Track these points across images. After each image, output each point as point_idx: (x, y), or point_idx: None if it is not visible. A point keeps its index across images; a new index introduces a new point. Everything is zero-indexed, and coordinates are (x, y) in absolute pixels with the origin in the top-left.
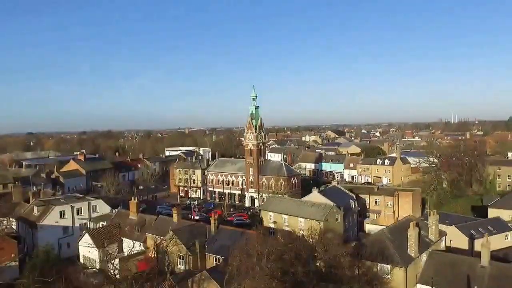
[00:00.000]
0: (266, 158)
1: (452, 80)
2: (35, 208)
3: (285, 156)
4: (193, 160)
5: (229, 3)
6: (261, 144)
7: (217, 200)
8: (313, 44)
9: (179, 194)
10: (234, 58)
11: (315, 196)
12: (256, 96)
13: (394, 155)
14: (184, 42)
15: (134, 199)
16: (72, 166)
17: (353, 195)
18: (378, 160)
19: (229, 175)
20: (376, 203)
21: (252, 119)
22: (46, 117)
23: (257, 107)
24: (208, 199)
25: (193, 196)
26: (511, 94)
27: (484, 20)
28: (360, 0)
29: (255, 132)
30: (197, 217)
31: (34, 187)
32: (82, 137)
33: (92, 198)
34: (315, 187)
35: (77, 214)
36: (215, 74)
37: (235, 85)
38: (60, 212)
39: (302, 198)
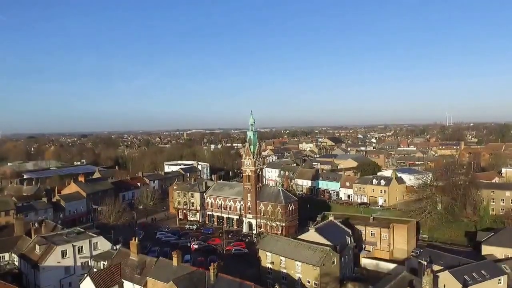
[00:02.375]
0: (264, 172)
1: (447, 83)
2: (37, 247)
3: (282, 172)
4: (192, 182)
5: (229, 7)
6: (259, 170)
7: (216, 223)
8: (311, 46)
9: (178, 217)
10: (233, 59)
11: (311, 235)
12: (254, 121)
13: (389, 174)
14: (183, 44)
15: (135, 239)
16: (72, 188)
17: (349, 230)
18: (374, 180)
19: (227, 200)
20: (371, 235)
21: (250, 145)
22: (48, 117)
23: (255, 133)
24: (207, 222)
25: (191, 219)
26: (503, 96)
27: (480, 23)
28: (358, 3)
29: (253, 158)
30: (196, 246)
31: (36, 223)
32: (83, 139)
33: (94, 235)
34: (312, 226)
35: (79, 252)
36: (214, 76)
37: (233, 86)
38: (62, 251)
39: (300, 236)
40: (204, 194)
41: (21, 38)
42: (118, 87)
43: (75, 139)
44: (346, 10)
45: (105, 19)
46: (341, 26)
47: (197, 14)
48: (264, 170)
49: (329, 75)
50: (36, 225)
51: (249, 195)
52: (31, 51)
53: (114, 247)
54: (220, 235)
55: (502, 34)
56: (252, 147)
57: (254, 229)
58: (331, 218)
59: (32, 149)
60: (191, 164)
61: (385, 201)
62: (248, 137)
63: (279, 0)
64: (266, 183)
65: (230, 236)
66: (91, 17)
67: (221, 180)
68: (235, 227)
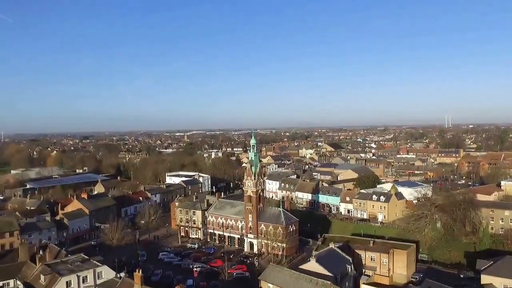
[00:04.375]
0: (264, 184)
1: (447, 84)
2: (42, 277)
3: (282, 185)
4: (194, 199)
5: (230, 8)
6: (260, 190)
7: (217, 242)
8: (312, 47)
9: (180, 234)
10: (233, 60)
11: (312, 265)
12: (256, 143)
13: (389, 187)
14: (184, 45)
15: (139, 271)
16: (75, 205)
17: (349, 258)
18: (374, 196)
19: (228, 219)
20: (371, 259)
21: (251, 166)
22: (50, 118)
23: (256, 154)
24: (209, 240)
25: (193, 236)
26: (502, 98)
27: (481, 25)
28: (358, 5)
29: (254, 179)
30: (198, 269)
31: (41, 250)
32: (85, 141)
33: (98, 263)
34: (313, 256)
35: (83, 282)
36: (214, 77)
37: (233, 87)
38: (67, 282)
39: (301, 266)
40: (206, 212)
41: (23, 39)
42: (119, 88)
43: (77, 141)
44: (346, 12)
45: (105, 20)
46: (341, 28)
47: (198, 15)
48: (264, 182)
49: (330, 76)
50: (41, 252)
51: (250, 215)
52: (32, 52)
53: (118, 275)
54: (222, 255)
55: (501, 35)
56: (253, 168)
57: (256, 251)
58: (331, 245)
59: (35, 153)
60: (193, 175)
61: (384, 217)
62: (250, 158)
63: (280, 1)
64: (267, 195)
65: (231, 257)
66: (92, 18)
67: (222, 195)
68: (237, 246)
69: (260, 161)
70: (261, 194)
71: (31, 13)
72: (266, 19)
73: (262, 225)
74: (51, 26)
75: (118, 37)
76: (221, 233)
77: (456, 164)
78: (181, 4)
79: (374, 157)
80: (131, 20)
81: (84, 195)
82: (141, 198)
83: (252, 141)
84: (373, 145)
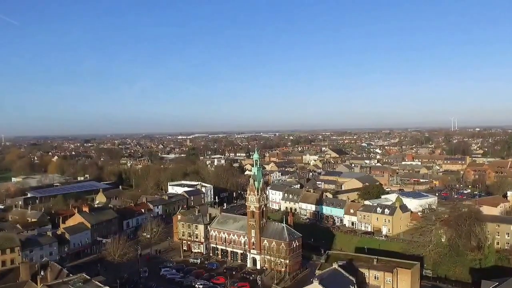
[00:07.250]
0: (268, 193)
1: (452, 86)
2: None
3: (286, 195)
4: (196, 213)
5: (233, 9)
6: (263, 206)
7: (220, 257)
8: (314, 49)
9: (182, 248)
10: (235, 61)
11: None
12: (259, 158)
13: (394, 198)
14: (187, 46)
15: None
16: (77, 219)
17: (352, 278)
18: (378, 209)
19: (231, 234)
20: (375, 278)
21: (254, 180)
22: (51, 120)
23: (259, 169)
24: (211, 255)
25: (196, 251)
26: (508, 100)
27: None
28: (364, 6)
29: (258, 194)
30: (200, 286)
31: (42, 271)
32: (86, 145)
33: (100, 284)
34: (315, 278)
35: None
36: (217, 79)
37: (236, 89)
38: None
39: None
40: (208, 227)
41: (25, 41)
42: (120, 90)
43: (78, 144)
44: (349, 12)
45: (107, 21)
46: (344, 29)
47: (200, 16)
48: (267, 196)
49: (335, 77)
50: (42, 273)
51: (253, 231)
52: (33, 53)
53: None
54: (225, 271)
55: (507, 36)
56: (256, 183)
57: (259, 267)
58: (334, 265)
59: (36, 158)
60: (195, 185)
61: (389, 230)
62: (253, 173)
63: (283, 2)
64: (270, 205)
65: (234, 273)
66: (94, 19)
67: (225, 205)
68: (239, 261)
69: (264, 168)
70: (264, 209)
71: (33, 15)
72: (269, 20)
73: (265, 240)
74: (52, 28)
75: (120, 38)
76: (224, 248)
77: (462, 172)
78: (183, 5)
79: (379, 164)
80: (133, 21)
81: (86, 208)
82: (143, 210)
83: (255, 156)
84: (378, 150)
